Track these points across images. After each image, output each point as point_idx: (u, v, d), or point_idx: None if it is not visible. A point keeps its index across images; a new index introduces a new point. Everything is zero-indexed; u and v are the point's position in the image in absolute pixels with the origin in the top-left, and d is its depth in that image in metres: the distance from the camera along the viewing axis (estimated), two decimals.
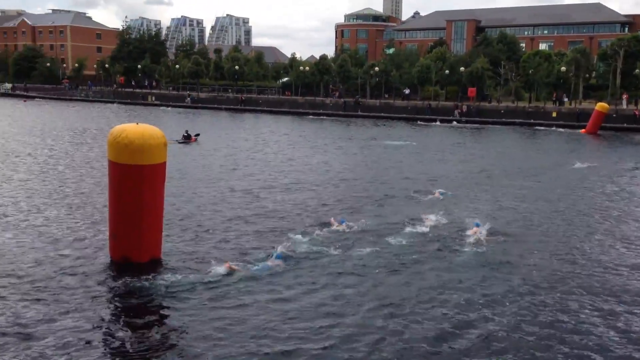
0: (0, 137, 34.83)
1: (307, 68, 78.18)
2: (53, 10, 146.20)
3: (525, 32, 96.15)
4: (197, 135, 35.34)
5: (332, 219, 15.08)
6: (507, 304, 9.95)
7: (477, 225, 14.33)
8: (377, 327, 8.86)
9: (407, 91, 69.13)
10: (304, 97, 76.23)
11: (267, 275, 10.89)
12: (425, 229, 14.49)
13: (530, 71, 61.52)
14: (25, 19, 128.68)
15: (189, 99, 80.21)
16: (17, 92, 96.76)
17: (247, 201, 17.97)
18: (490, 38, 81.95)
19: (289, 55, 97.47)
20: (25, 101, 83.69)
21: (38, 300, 9.53)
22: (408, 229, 14.48)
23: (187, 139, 34.12)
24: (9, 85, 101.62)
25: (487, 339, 8.63)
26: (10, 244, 12.59)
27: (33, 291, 9.87)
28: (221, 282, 10.51)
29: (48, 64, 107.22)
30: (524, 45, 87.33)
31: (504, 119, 55.24)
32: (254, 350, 8.01)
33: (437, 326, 8.97)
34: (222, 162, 26.90)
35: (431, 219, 15.39)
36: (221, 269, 10.90)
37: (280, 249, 12.16)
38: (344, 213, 16.18)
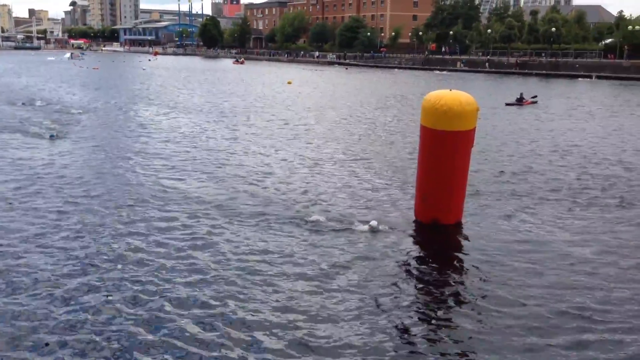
0: (328, 100, 39.17)
1: (639, 27, 69.13)
2: None
3: None
4: (534, 97, 36.97)
5: None
6: None
7: None
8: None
9: None
10: (630, 61, 67.76)
11: None
12: None
13: None
14: None
15: (487, 63, 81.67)
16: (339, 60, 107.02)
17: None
18: None
19: (615, 14, 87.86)
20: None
21: (335, 248, 10.07)
22: None
23: (520, 101, 35.82)
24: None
25: None
26: (323, 194, 13.68)
27: (333, 238, 10.54)
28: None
29: (368, 34, 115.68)
30: None
31: None
32: None
33: None
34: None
35: None
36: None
37: None
38: None
